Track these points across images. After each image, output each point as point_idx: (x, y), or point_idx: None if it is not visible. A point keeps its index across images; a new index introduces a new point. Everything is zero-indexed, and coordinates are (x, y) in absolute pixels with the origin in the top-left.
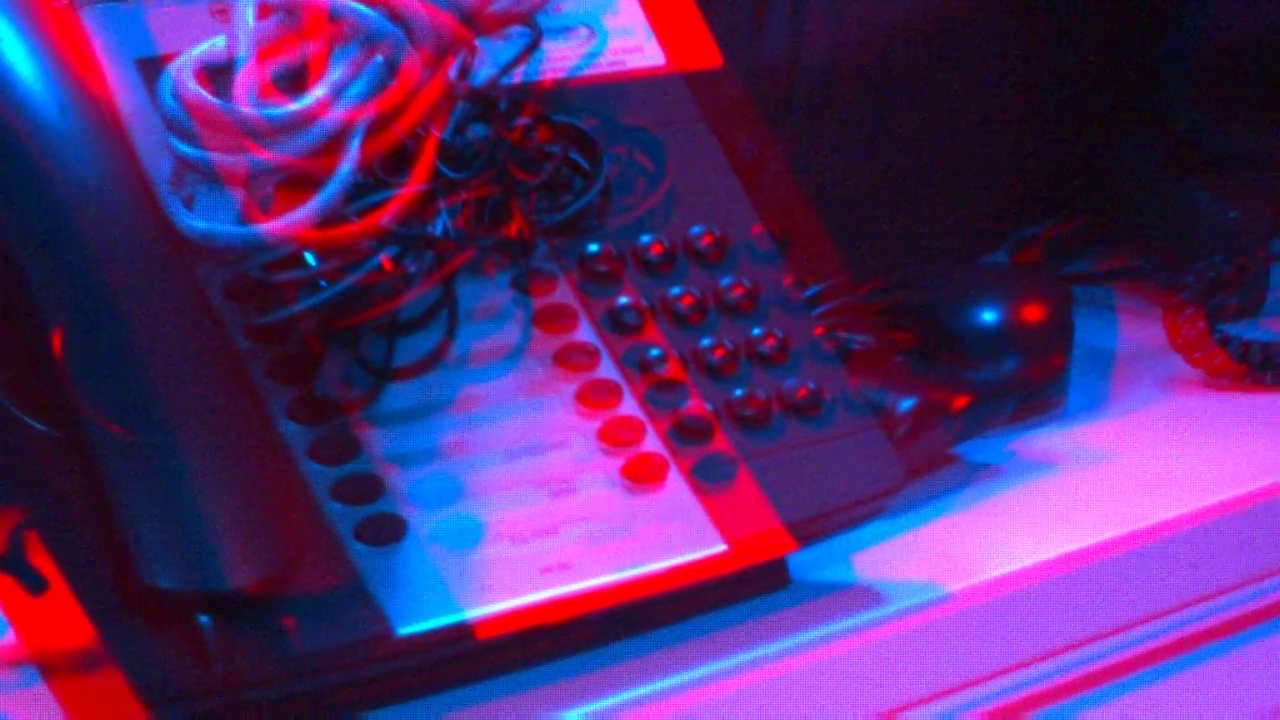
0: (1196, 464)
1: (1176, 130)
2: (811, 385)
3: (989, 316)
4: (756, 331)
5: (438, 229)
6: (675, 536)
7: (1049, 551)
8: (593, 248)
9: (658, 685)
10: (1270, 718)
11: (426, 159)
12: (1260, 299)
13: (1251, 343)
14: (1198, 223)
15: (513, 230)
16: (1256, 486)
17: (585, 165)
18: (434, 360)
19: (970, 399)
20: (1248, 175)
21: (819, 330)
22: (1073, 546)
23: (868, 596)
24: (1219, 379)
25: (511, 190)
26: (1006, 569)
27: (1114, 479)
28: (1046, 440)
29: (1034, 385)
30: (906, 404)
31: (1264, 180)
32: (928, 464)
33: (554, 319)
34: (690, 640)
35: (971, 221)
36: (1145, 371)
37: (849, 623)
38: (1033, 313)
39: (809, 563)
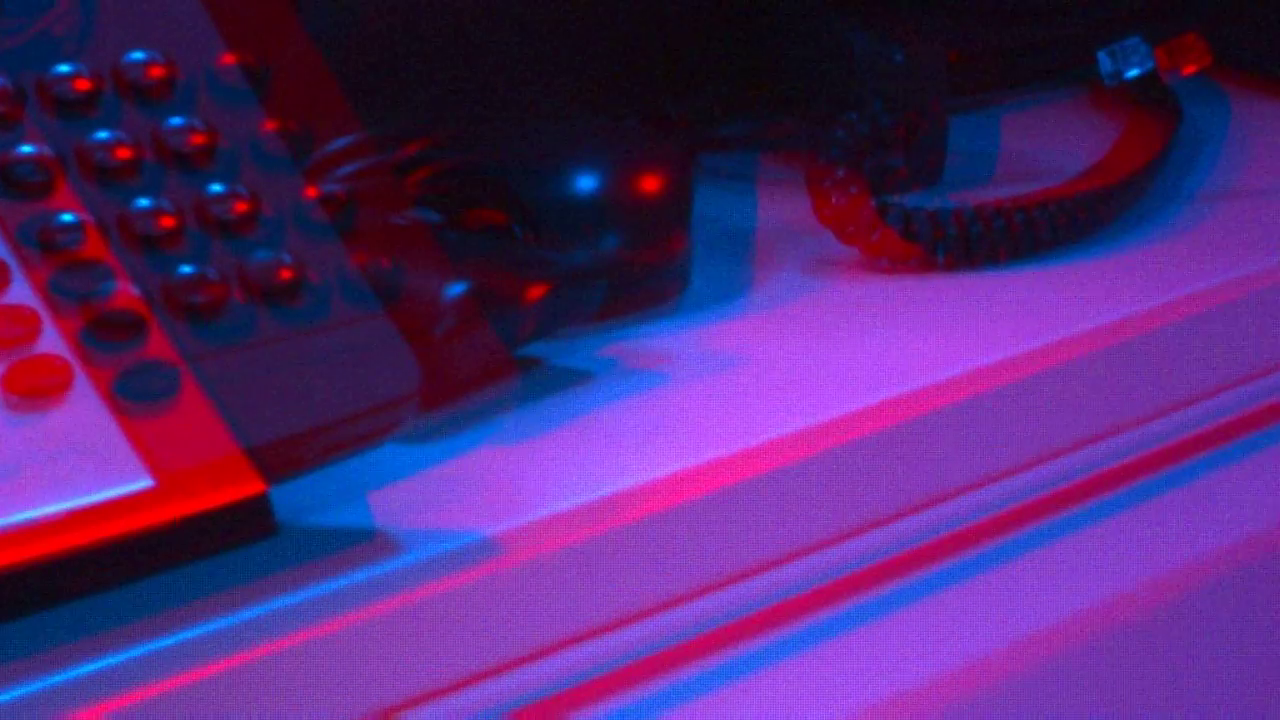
0: (845, 367)
1: None
2: (289, 260)
3: (579, 182)
4: (215, 190)
5: None
6: (80, 471)
7: (635, 480)
8: None
9: (48, 684)
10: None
11: None
12: (938, 163)
13: (915, 212)
14: (855, 69)
15: None
16: (913, 389)
17: None
18: None
19: (548, 287)
20: (920, 14)
21: (311, 192)
22: (674, 470)
23: (383, 548)
24: (879, 260)
25: None
26: (578, 505)
27: (739, 388)
28: (658, 341)
29: (641, 270)
30: (453, 291)
31: (941, 20)
32: (485, 372)
33: None
34: (122, 625)
35: (589, 82)
36: (788, 254)
37: (351, 582)
38: (637, 176)
39: (308, 504)
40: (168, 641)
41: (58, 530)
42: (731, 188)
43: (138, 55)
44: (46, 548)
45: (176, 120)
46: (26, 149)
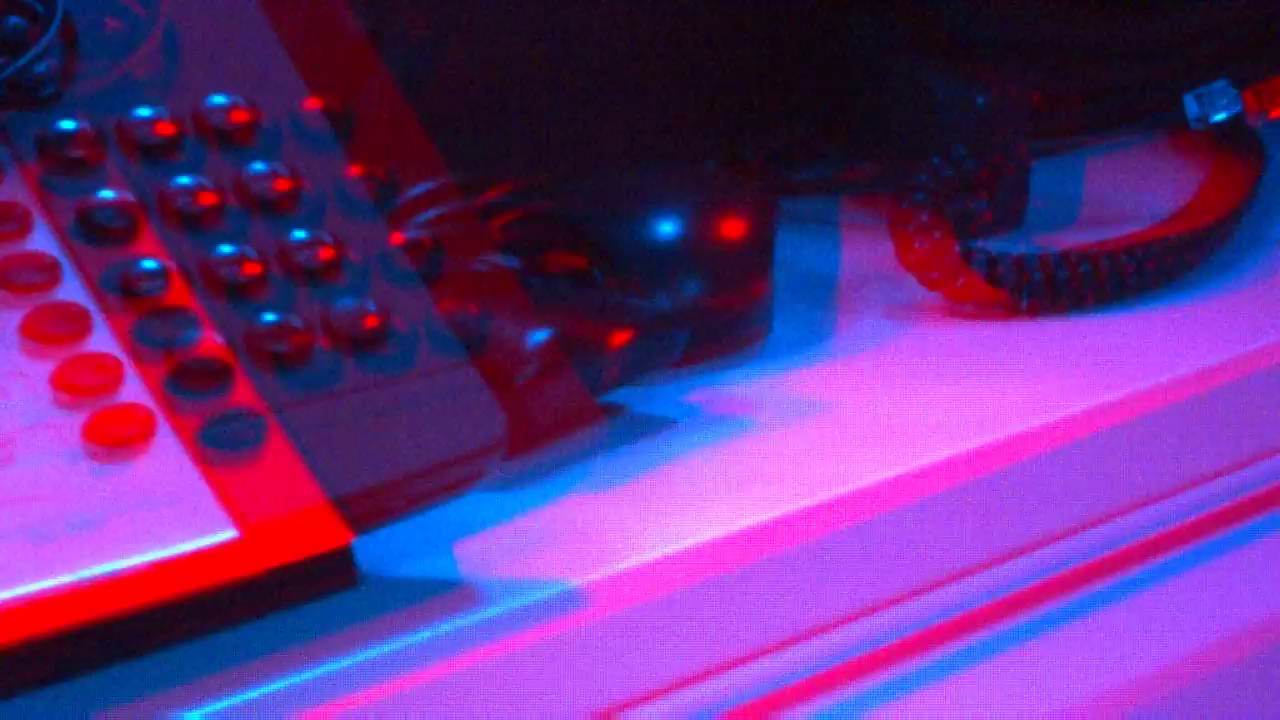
0: (930, 414)
1: (914, 7)
2: (374, 308)
3: (661, 227)
4: (299, 237)
5: None
6: (164, 522)
7: (721, 530)
8: (66, 125)
9: None
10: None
11: None
12: (1021, 207)
13: (1001, 257)
14: (937, 112)
15: None
16: (1000, 437)
17: (37, 7)
18: None
19: (632, 333)
20: (1003, 57)
21: (396, 238)
22: (758, 520)
23: (467, 599)
24: (964, 305)
25: None
26: (664, 555)
27: (823, 435)
28: (741, 387)
29: (723, 316)
30: (537, 338)
31: (1022, 64)
32: (570, 419)
33: None
34: (202, 676)
35: (668, 126)
36: (870, 299)
37: (434, 634)
38: (719, 221)
39: (392, 554)
40: (250, 695)
41: (140, 583)
42: (813, 232)
43: (220, 99)
44: (128, 601)
45: (260, 165)
46: (108, 194)
